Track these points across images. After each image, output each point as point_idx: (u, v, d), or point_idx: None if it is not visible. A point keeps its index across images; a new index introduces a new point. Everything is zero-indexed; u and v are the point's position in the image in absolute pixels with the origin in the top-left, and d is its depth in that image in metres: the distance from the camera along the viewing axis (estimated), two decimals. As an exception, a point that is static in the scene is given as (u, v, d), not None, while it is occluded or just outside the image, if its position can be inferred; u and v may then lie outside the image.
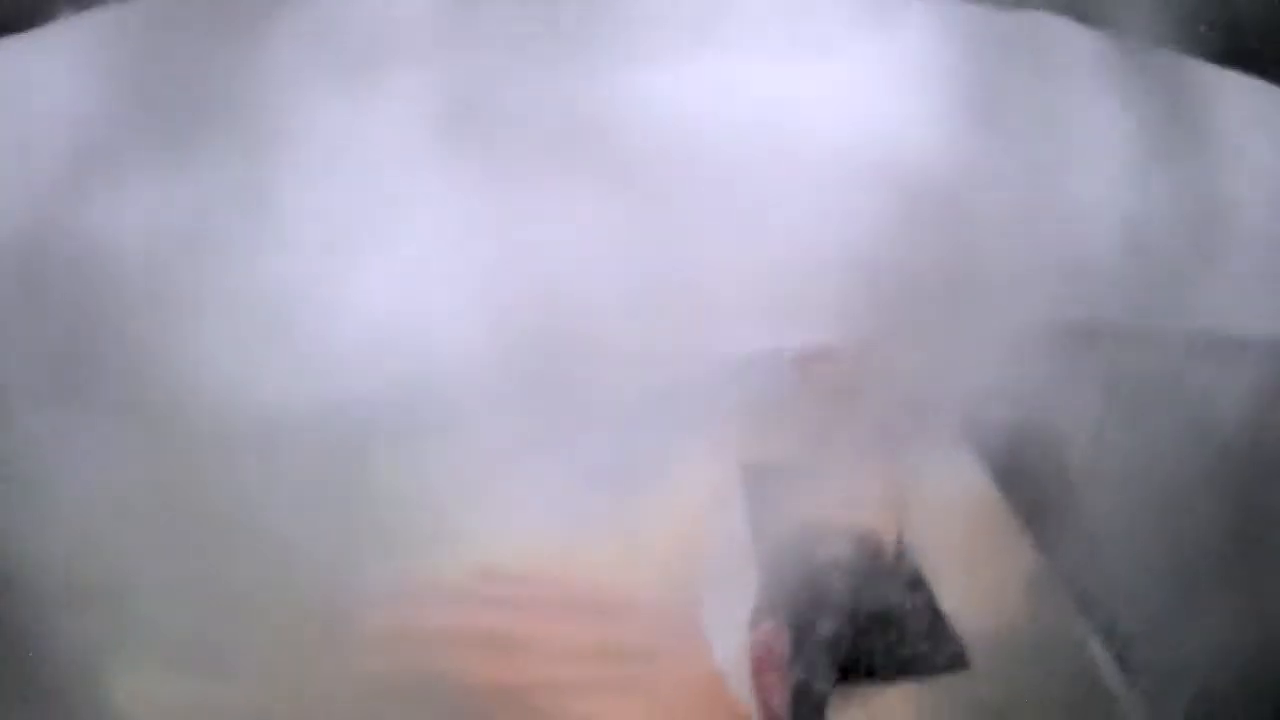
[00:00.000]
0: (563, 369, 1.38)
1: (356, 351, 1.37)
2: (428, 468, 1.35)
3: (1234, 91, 1.53)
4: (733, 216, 1.44)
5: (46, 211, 1.39)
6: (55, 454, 1.29)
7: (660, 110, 1.45)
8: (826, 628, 1.26)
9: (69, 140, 1.43)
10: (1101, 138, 1.48)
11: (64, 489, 1.28)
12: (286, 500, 1.28)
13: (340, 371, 1.37)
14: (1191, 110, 1.51)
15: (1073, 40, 1.54)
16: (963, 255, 1.41)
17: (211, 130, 1.42)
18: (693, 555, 1.34)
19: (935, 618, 1.30)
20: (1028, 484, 1.37)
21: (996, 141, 1.47)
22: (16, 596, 1.22)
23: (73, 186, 1.40)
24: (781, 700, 1.23)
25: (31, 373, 1.32)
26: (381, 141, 1.45)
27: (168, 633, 1.24)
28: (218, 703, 1.21)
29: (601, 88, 1.47)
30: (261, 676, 1.21)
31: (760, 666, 1.24)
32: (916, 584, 1.32)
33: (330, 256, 1.39)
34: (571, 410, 1.38)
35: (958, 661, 1.27)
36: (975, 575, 1.33)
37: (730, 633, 1.28)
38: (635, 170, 1.43)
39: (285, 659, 1.23)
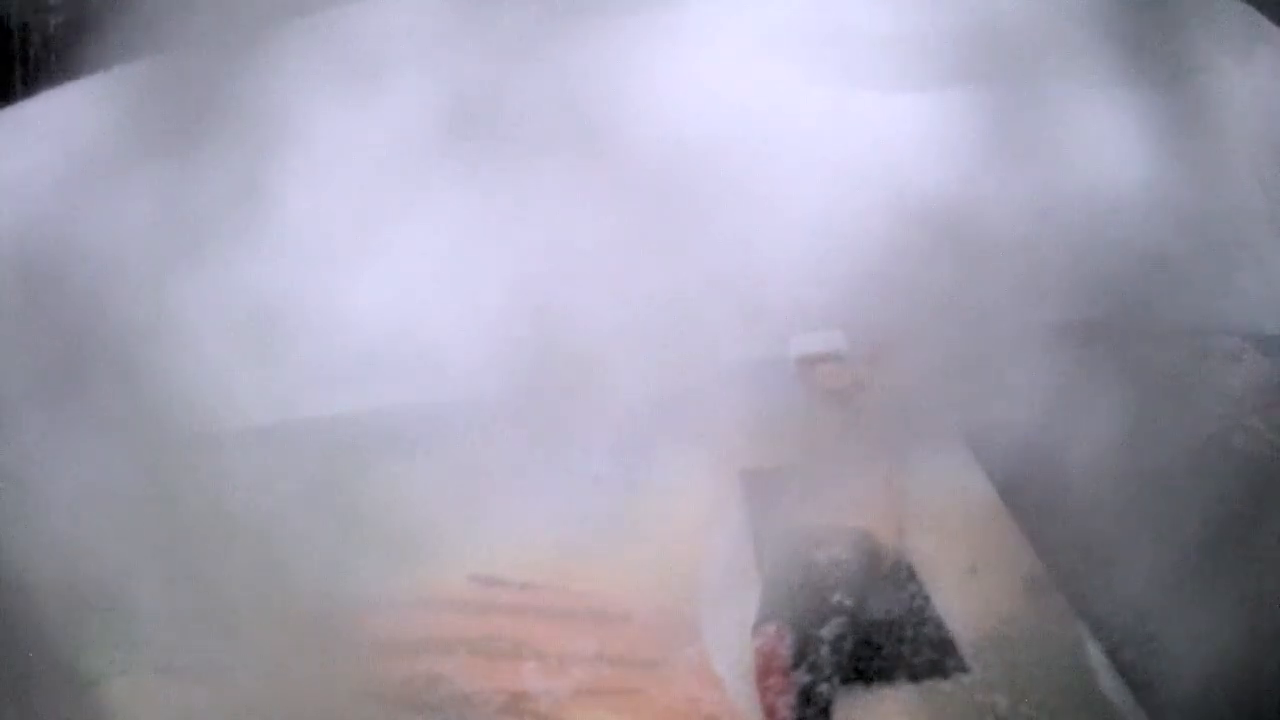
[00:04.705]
0: (563, 377, 1.38)
1: (356, 361, 1.38)
2: (427, 477, 1.35)
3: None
4: (734, 225, 1.44)
5: (48, 220, 1.41)
6: (53, 462, 1.30)
7: (663, 121, 1.46)
8: (829, 631, 1.26)
9: (72, 150, 1.45)
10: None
11: (61, 497, 1.29)
12: (285, 509, 1.29)
13: (340, 381, 1.38)
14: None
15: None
16: (963, 261, 1.41)
17: (213, 139, 1.43)
18: (692, 563, 1.34)
19: (934, 621, 1.30)
20: (1027, 488, 1.37)
21: (1000, 144, 1.47)
22: (15, 600, 1.23)
23: (74, 195, 1.41)
24: (786, 702, 1.23)
25: (31, 381, 1.33)
26: (383, 151, 1.46)
27: (164, 638, 1.25)
28: (213, 708, 1.22)
29: (605, 98, 1.47)
30: (258, 682, 1.22)
31: (764, 669, 1.25)
32: (916, 588, 1.32)
33: (330, 268, 1.40)
34: (571, 418, 1.38)
35: (956, 665, 1.27)
36: (974, 578, 1.33)
37: (731, 637, 1.28)
38: (638, 181, 1.43)
39: (283, 666, 1.23)
